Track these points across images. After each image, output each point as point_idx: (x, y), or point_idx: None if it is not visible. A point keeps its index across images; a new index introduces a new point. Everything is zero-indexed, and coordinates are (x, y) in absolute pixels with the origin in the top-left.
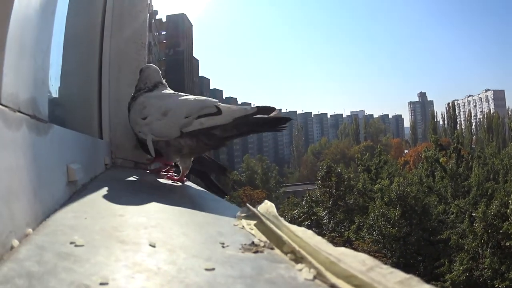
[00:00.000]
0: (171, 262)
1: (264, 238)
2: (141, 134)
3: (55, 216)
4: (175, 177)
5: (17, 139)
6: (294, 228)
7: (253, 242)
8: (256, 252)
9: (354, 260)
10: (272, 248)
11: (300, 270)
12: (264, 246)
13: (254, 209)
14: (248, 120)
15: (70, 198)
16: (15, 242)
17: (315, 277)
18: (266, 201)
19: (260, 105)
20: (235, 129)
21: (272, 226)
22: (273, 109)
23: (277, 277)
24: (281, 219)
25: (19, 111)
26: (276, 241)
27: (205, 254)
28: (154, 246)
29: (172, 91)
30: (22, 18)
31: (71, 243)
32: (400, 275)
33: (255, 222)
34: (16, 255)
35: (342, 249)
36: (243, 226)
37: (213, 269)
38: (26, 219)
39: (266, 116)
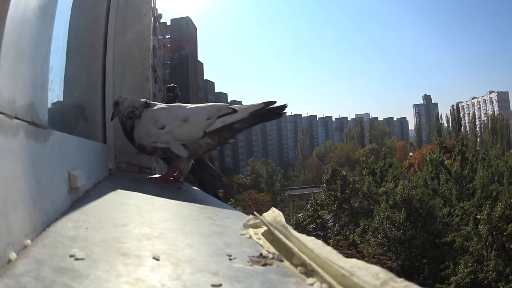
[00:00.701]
0: (176, 278)
1: (272, 249)
2: (160, 143)
3: (55, 226)
4: (169, 177)
5: (14, 147)
6: (304, 238)
7: (261, 254)
8: (264, 264)
9: (366, 273)
10: (281, 260)
11: (312, 284)
12: (273, 258)
13: (261, 217)
14: (260, 112)
15: (72, 206)
16: (13, 255)
17: None
18: (274, 208)
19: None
20: (251, 121)
21: (281, 236)
22: (274, 102)
23: None
24: (290, 228)
25: (16, 118)
26: (286, 253)
27: (212, 268)
28: (157, 259)
29: (167, 104)
30: (19, 22)
31: (71, 256)
32: None
33: (262, 231)
34: (12, 270)
35: (354, 260)
36: (250, 236)
37: (220, 285)
38: (24, 230)
39: (271, 107)
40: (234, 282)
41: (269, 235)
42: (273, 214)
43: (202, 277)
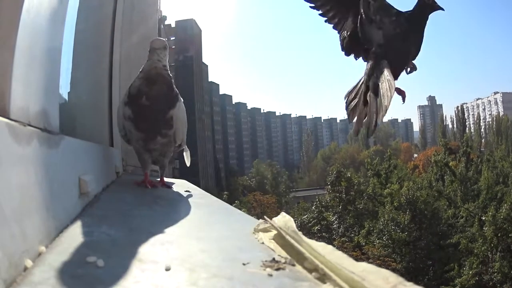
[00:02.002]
0: (193, 284)
1: (284, 254)
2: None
3: (68, 232)
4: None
5: (28, 154)
6: (314, 243)
7: (273, 258)
8: (278, 269)
9: (377, 277)
10: (293, 265)
11: None
12: (285, 263)
13: (272, 222)
14: None
15: (83, 211)
16: (29, 263)
17: None
18: (283, 213)
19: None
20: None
21: (292, 241)
22: None
23: None
24: (300, 233)
25: (30, 125)
26: (297, 257)
27: (227, 273)
28: (173, 265)
29: None
30: (31, 29)
31: (87, 262)
32: None
33: (273, 235)
34: (30, 278)
35: (364, 264)
36: (262, 241)
37: None
38: (39, 237)
39: None
40: (249, 287)
41: (280, 240)
42: (284, 219)
43: (218, 282)
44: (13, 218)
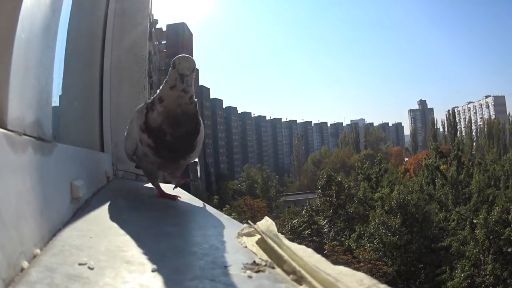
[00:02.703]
0: (176, 284)
1: (265, 257)
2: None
3: (61, 236)
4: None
5: (23, 162)
6: (294, 246)
7: (254, 261)
8: (258, 271)
9: (352, 280)
10: (273, 267)
11: None
12: (265, 265)
13: (255, 226)
14: None
15: (74, 215)
16: (25, 264)
17: None
18: (267, 218)
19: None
20: None
21: (273, 244)
22: None
23: None
24: (282, 237)
25: (25, 134)
26: (277, 260)
27: (209, 274)
28: (159, 267)
29: None
30: (25, 42)
31: (80, 264)
32: None
33: (256, 239)
34: (27, 278)
35: (341, 268)
36: (245, 244)
37: None
38: (34, 240)
39: None
40: (229, 287)
41: (262, 244)
42: (266, 223)
43: (200, 283)
44: (11, 222)
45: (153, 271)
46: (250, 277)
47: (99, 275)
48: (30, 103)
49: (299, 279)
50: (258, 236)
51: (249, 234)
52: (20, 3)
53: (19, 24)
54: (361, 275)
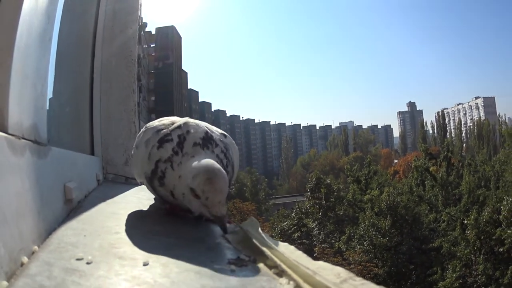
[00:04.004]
0: (166, 276)
1: (249, 253)
2: None
3: (57, 234)
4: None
5: (22, 164)
6: (277, 243)
7: (238, 257)
8: (241, 266)
9: (330, 273)
10: (255, 262)
11: (281, 283)
12: (248, 261)
13: (240, 226)
14: None
15: (68, 215)
16: (25, 259)
17: None
18: (252, 217)
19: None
20: None
21: (256, 241)
22: None
23: None
24: (264, 235)
25: (23, 138)
26: (260, 256)
27: (196, 268)
28: (149, 261)
29: None
30: (23, 49)
31: (77, 259)
32: (371, 286)
33: (241, 238)
34: (27, 271)
35: (320, 262)
36: (231, 242)
37: (203, 282)
38: (32, 237)
39: None
40: (215, 279)
41: (247, 241)
42: (251, 222)
43: (188, 275)
44: (12, 220)
45: (144, 264)
46: (233, 270)
47: (94, 269)
48: (27, 108)
49: (280, 273)
50: (243, 234)
51: (235, 233)
52: (19, 12)
53: (18, 32)
54: (338, 269)
